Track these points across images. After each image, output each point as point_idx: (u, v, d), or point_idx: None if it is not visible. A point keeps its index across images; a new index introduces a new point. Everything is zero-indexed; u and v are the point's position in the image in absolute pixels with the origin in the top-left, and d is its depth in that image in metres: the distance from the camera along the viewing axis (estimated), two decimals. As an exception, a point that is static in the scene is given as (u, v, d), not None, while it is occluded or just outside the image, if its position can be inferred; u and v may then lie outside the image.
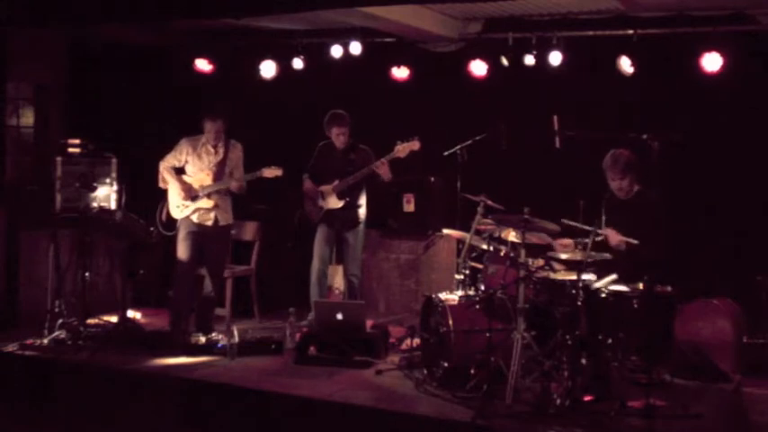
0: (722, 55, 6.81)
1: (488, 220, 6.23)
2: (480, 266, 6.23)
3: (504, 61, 7.64)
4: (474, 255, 6.39)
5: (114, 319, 7.29)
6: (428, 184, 8.04)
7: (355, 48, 8.11)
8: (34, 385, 6.34)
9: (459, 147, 6.96)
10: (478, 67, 7.78)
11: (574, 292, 5.40)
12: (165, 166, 7.07)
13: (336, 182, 7.28)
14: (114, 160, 7.86)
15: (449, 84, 8.05)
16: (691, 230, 6.99)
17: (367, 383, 5.87)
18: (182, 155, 7.06)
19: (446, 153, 7.02)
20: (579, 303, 5.36)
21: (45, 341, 6.74)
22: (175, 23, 8.46)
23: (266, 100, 8.62)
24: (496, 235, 6.24)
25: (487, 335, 5.46)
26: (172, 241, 7.14)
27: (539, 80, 7.55)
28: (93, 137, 7.87)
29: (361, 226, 7.43)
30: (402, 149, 7.00)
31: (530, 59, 7.52)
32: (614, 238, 5.73)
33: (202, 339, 6.75)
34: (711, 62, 6.84)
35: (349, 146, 7.36)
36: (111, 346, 6.58)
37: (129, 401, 5.96)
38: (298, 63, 8.35)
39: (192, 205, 6.98)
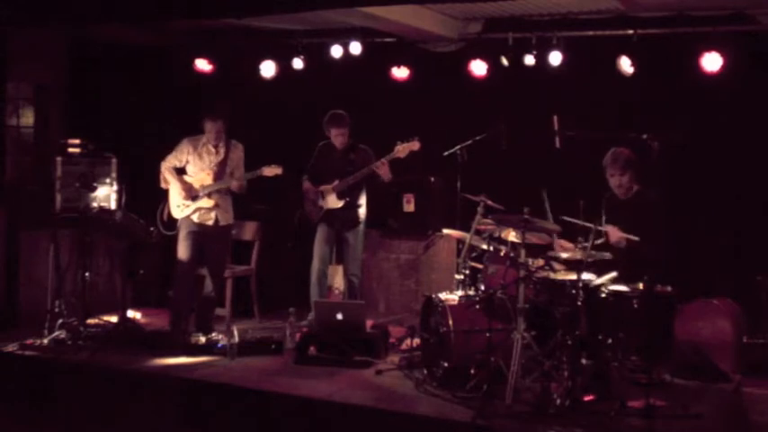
0: (722, 55, 6.80)
1: (488, 220, 6.23)
2: (480, 266, 6.24)
3: (504, 61, 7.64)
4: (474, 255, 6.39)
5: (114, 319, 7.29)
6: (428, 184, 8.04)
7: (355, 48, 8.11)
8: (34, 385, 6.34)
9: (459, 147, 6.95)
10: (478, 67, 7.78)
11: (574, 292, 5.40)
12: (167, 166, 7.07)
13: (336, 182, 7.27)
14: (114, 160, 7.86)
15: (449, 84, 8.05)
16: (691, 230, 7.00)
17: (367, 383, 5.87)
18: (183, 155, 7.07)
19: (446, 153, 7.01)
20: (579, 303, 5.37)
21: (45, 341, 6.74)
22: (175, 23, 8.45)
23: (266, 100, 8.61)
24: (496, 235, 6.24)
25: (487, 335, 5.46)
26: (172, 241, 7.14)
27: (539, 80, 7.55)
28: (93, 137, 7.87)
29: (361, 226, 7.43)
30: (402, 150, 7.00)
31: (530, 59, 7.52)
32: (615, 234, 5.72)
33: (202, 339, 6.75)
34: (711, 62, 6.83)
35: (349, 146, 7.36)
36: (111, 346, 6.58)
37: (129, 401, 5.96)
38: (298, 63, 8.34)
39: (193, 205, 6.98)
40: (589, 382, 5.33)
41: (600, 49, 7.36)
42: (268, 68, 8.46)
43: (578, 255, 5.50)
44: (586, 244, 5.46)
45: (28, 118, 8.23)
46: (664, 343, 5.33)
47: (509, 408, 5.13)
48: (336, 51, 8.18)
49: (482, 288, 6.06)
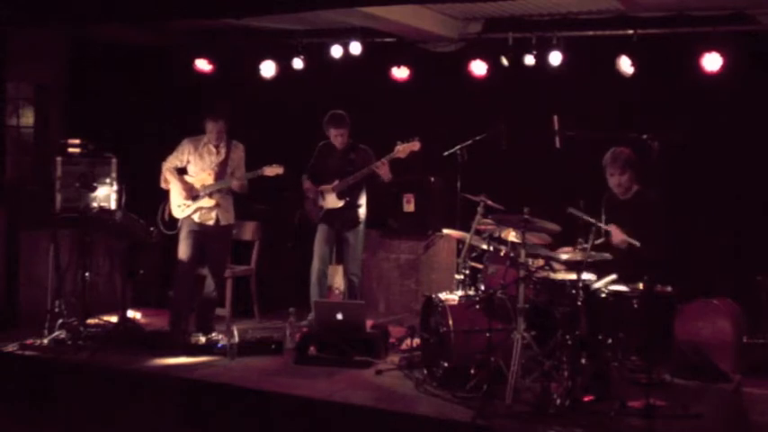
0: (722, 55, 6.80)
1: (488, 220, 6.23)
2: (480, 266, 6.24)
3: (504, 61, 7.64)
4: (474, 255, 6.39)
5: (114, 319, 7.29)
6: (428, 184, 8.04)
7: (355, 48, 8.11)
8: (34, 385, 6.34)
9: (459, 147, 6.95)
10: (478, 67, 7.78)
11: (574, 292, 5.40)
12: (168, 166, 7.08)
13: (336, 182, 7.27)
14: (114, 160, 7.86)
15: (449, 84, 8.05)
16: (691, 230, 7.00)
17: (367, 383, 5.87)
18: (184, 155, 7.07)
19: (446, 153, 7.01)
20: (579, 303, 5.37)
21: (45, 341, 6.74)
22: (175, 23, 8.45)
23: (266, 100, 8.62)
24: (496, 235, 6.24)
25: (487, 335, 5.46)
26: (172, 241, 7.14)
27: (539, 80, 7.55)
28: (93, 137, 7.87)
29: (362, 226, 7.43)
30: (402, 150, 7.00)
31: (530, 59, 7.52)
32: (618, 235, 5.72)
33: (202, 339, 6.75)
34: (711, 62, 6.84)
35: (349, 146, 7.36)
36: (111, 346, 6.57)
37: (129, 401, 5.96)
38: (298, 63, 8.34)
39: (194, 204, 6.98)
40: (589, 382, 5.33)
41: (600, 49, 7.36)
42: (268, 68, 8.46)
43: (578, 255, 5.50)
44: (586, 245, 5.46)
45: (28, 118, 8.24)
46: (664, 343, 5.33)
47: (509, 408, 5.13)
48: (336, 51, 8.18)
49: (482, 288, 6.06)
